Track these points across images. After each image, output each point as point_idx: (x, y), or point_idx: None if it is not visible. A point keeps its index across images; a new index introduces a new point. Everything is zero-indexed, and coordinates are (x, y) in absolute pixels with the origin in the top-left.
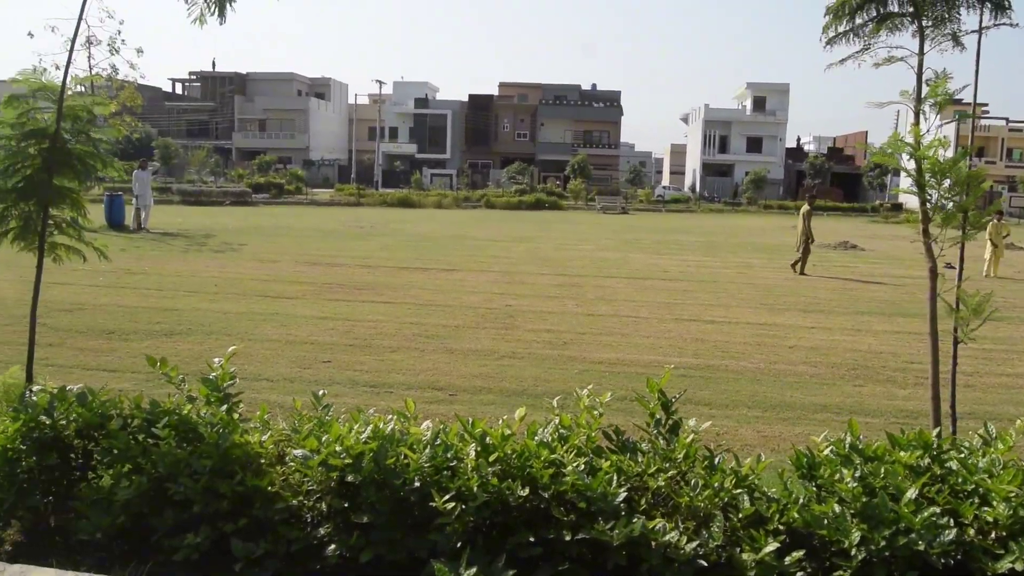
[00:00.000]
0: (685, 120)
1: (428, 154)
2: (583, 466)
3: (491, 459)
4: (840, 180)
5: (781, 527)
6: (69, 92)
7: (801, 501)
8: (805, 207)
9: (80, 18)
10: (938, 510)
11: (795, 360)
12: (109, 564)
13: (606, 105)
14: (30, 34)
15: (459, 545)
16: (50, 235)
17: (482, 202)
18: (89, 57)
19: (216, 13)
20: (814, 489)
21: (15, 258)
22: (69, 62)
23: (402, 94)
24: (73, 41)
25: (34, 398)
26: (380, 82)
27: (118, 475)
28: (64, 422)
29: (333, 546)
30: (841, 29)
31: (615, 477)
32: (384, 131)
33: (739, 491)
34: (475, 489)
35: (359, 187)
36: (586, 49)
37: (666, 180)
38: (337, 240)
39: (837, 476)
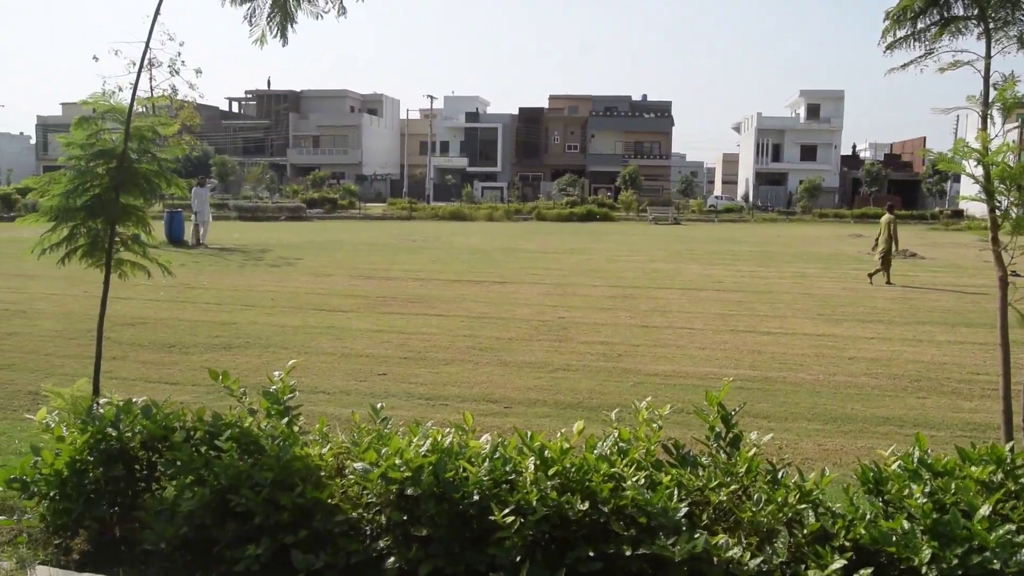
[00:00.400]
0: (737, 129)
1: (479, 167)
2: (643, 480)
3: (550, 473)
4: (898, 187)
5: (847, 544)
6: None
7: (868, 517)
8: (887, 216)
9: (147, 44)
10: (1014, 527)
11: (855, 372)
12: (172, 574)
13: (657, 116)
14: (95, 57)
15: (518, 559)
16: (116, 251)
17: (533, 214)
18: (151, 78)
19: (278, 35)
20: (881, 505)
21: (80, 273)
22: (136, 85)
23: (453, 108)
24: (140, 66)
25: (101, 411)
26: (431, 97)
27: (181, 486)
28: (130, 434)
29: (392, 559)
30: (902, 34)
31: (676, 491)
32: (435, 145)
33: (803, 506)
34: (534, 503)
35: (411, 201)
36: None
37: (718, 190)
38: (390, 254)
39: (906, 492)
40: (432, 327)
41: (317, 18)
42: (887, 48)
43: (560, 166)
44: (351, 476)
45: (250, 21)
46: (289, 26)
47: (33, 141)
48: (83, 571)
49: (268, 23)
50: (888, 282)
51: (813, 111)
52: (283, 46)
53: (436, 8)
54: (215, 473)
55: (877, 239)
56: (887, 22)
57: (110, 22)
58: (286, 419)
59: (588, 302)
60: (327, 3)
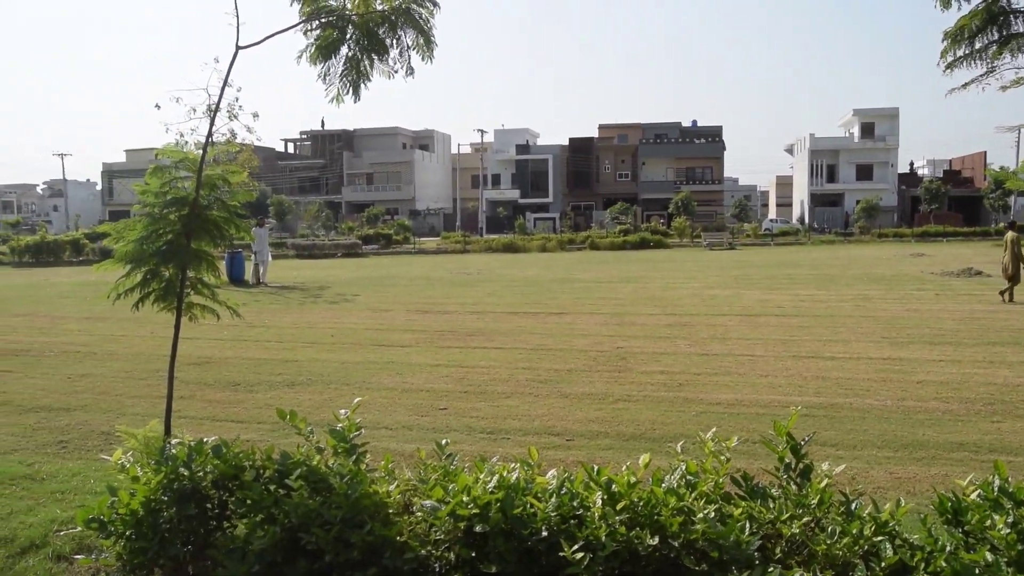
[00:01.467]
0: (790, 151)
1: (531, 199)
2: (713, 513)
3: (618, 507)
4: (959, 203)
5: None
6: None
7: (948, 549)
8: (1011, 234)
9: (220, 95)
10: None
11: (925, 396)
12: None
13: (708, 141)
14: (157, 106)
15: None
16: (187, 295)
17: (586, 244)
18: (212, 126)
19: (350, 92)
20: (961, 536)
21: (146, 315)
22: (209, 135)
23: (503, 141)
24: (213, 117)
25: (173, 451)
26: (482, 131)
27: (252, 525)
28: (201, 474)
29: None
30: (960, 53)
31: (747, 524)
32: (487, 178)
33: (880, 538)
34: (603, 538)
35: (464, 234)
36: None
37: (773, 213)
38: (446, 287)
39: (987, 522)
40: (491, 360)
41: (389, 77)
42: (947, 68)
43: (611, 194)
44: (419, 513)
45: (324, 80)
46: (362, 84)
47: (99, 187)
48: None
49: (342, 81)
50: (1010, 300)
51: (867, 130)
52: (355, 102)
53: (485, 44)
54: (285, 511)
55: (1003, 259)
56: (946, 42)
57: (171, 70)
58: (353, 457)
59: (646, 331)
60: (396, 63)
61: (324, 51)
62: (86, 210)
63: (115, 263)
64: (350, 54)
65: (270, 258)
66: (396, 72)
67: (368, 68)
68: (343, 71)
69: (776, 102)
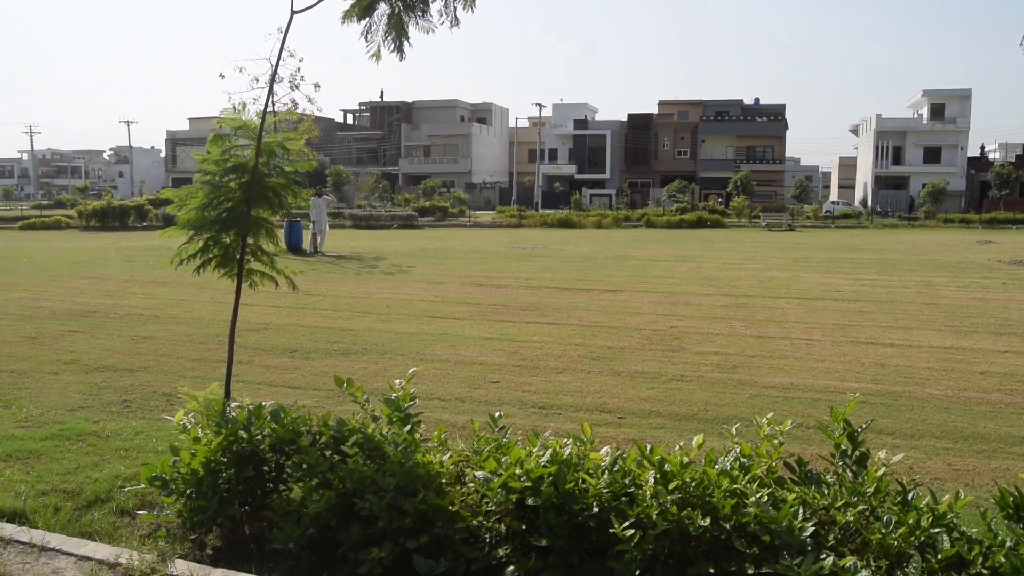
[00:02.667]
0: (855, 131)
1: (587, 174)
2: (766, 497)
3: (670, 487)
4: None
5: (985, 571)
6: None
7: (1009, 544)
8: None
9: (276, 64)
10: None
11: (987, 387)
12: (299, 573)
13: (769, 119)
14: (221, 75)
15: (637, 573)
16: (247, 262)
17: (642, 221)
18: (271, 93)
19: (394, 50)
20: (1022, 531)
21: (208, 280)
22: (267, 103)
23: (561, 116)
24: (271, 84)
25: (233, 414)
26: (540, 105)
27: (308, 489)
28: (260, 437)
29: (512, 567)
30: None
31: (800, 510)
32: (544, 153)
33: (937, 530)
34: (654, 517)
35: (520, 208)
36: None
37: (834, 195)
38: (500, 261)
39: None
40: (544, 335)
41: (428, 33)
42: None
43: (669, 172)
44: (471, 484)
45: (366, 37)
46: (405, 41)
47: (163, 155)
48: (217, 566)
49: (384, 39)
50: None
51: (937, 111)
52: (400, 60)
53: (545, 17)
54: (340, 477)
55: None
56: None
57: (234, 40)
58: (408, 426)
59: (701, 311)
60: (441, 16)
61: (362, 7)
62: (150, 176)
63: (178, 230)
64: (389, 10)
65: (328, 228)
66: (441, 24)
67: (407, 23)
68: (385, 28)
69: (842, 81)
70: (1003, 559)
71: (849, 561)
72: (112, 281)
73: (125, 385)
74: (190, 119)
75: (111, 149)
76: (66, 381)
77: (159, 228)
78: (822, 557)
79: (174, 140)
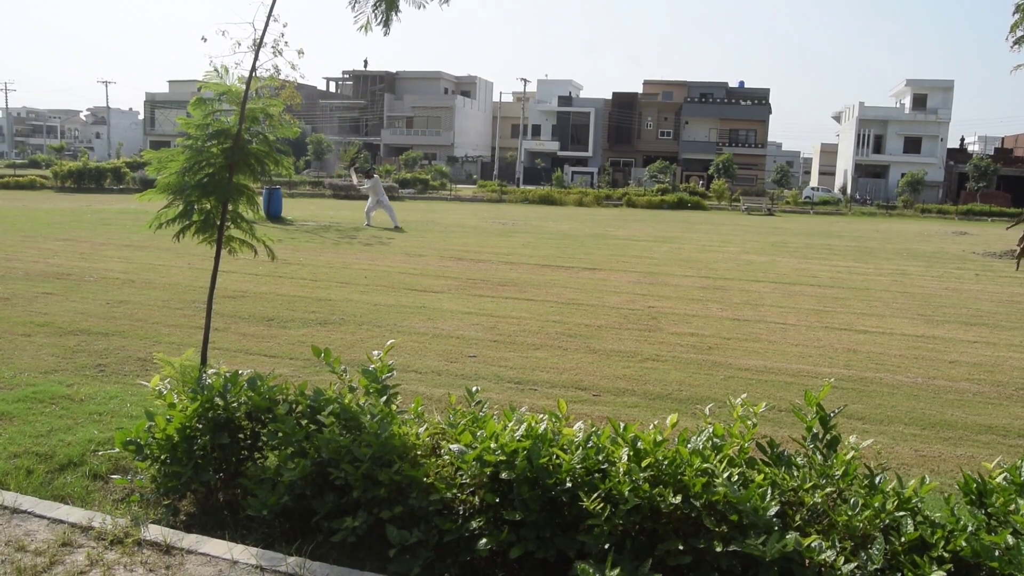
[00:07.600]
0: (837, 119)
1: (570, 152)
2: (736, 477)
3: (643, 464)
4: (1008, 183)
5: (946, 555)
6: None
7: (970, 529)
8: None
9: (264, 29)
10: None
11: (956, 376)
12: (273, 541)
13: (753, 103)
14: (203, 38)
15: (607, 547)
16: (227, 229)
17: (623, 201)
18: (255, 59)
19: (382, 23)
20: (984, 517)
21: (184, 246)
22: (253, 69)
23: (546, 92)
24: (257, 50)
25: (209, 381)
26: (524, 80)
27: (284, 457)
28: (235, 404)
29: (484, 540)
30: None
31: (769, 491)
32: (527, 128)
33: (902, 514)
34: (626, 493)
35: (501, 183)
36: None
37: (814, 181)
38: (480, 236)
39: (1011, 506)
40: (522, 311)
41: (419, 8)
42: (1015, 43)
43: (652, 152)
44: (446, 457)
45: (353, 7)
46: (393, 15)
47: (141, 117)
48: (190, 532)
49: (373, 11)
50: None
51: (919, 101)
52: (385, 35)
53: None
54: (316, 446)
55: None
56: (1017, 15)
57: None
58: (384, 397)
59: (679, 292)
60: None
61: None
62: (128, 139)
63: (158, 193)
64: None
65: (388, 200)
66: (430, 1)
67: None
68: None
69: (827, 68)
70: (964, 543)
71: (814, 541)
72: (87, 243)
73: (99, 349)
74: (170, 81)
75: (88, 109)
76: (39, 343)
77: (136, 191)
78: (787, 536)
79: (153, 102)
